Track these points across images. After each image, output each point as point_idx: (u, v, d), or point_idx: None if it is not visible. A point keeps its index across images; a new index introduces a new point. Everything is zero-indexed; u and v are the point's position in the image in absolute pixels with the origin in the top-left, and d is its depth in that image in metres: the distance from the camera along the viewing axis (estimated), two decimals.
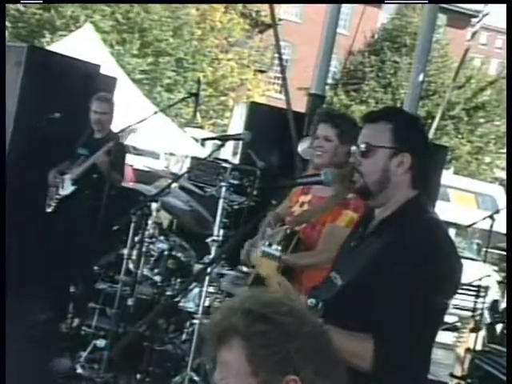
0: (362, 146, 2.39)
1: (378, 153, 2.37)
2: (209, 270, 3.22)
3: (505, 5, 8.54)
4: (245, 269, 4.58)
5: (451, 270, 2.28)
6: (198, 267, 5.46)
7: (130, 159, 13.73)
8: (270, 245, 2.28)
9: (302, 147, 4.42)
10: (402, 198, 2.38)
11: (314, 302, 2.29)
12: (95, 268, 5.55)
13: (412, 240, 2.24)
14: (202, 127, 27.65)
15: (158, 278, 5.40)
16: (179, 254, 5.54)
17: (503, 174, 26.24)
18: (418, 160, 2.38)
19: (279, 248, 2.28)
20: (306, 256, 3.53)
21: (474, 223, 7.53)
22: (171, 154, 20.79)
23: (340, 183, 3.50)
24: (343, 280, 2.33)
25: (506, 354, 4.93)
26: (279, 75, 27.83)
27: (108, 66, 11.40)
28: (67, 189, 6.04)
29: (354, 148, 2.43)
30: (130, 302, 4.98)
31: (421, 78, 7.52)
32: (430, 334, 2.33)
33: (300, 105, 8.02)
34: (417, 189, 2.40)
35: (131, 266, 5.20)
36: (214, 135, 19.74)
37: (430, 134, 11.55)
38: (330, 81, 26.31)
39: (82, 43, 15.18)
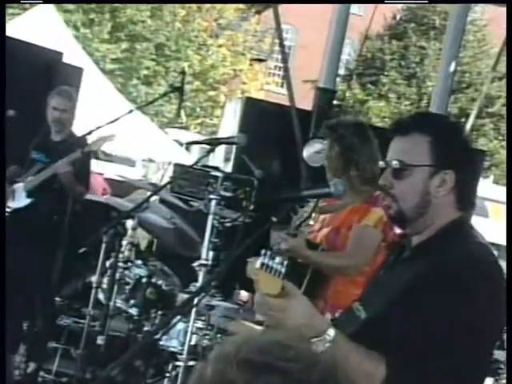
0: (395, 163, 2.35)
1: (415, 172, 2.33)
2: (196, 300, 3.23)
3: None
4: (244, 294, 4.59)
5: (500, 307, 2.29)
6: (182, 297, 5.47)
7: (99, 167, 13.83)
8: (272, 257, 2.25)
9: (307, 152, 4.45)
10: (443, 220, 2.36)
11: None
12: (57, 299, 5.55)
13: (454, 269, 2.24)
14: (187, 128, 27.71)
15: (134, 311, 5.40)
16: (160, 282, 5.55)
17: None
18: (462, 177, 2.35)
19: (284, 262, 2.25)
20: (331, 256, 3.74)
21: None
22: (150, 161, 20.82)
23: (350, 190, 3.70)
24: (367, 313, 2.35)
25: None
26: (280, 65, 27.95)
27: (72, 54, 11.45)
28: (20, 201, 6.04)
29: (382, 164, 2.41)
30: (99, 340, 4.98)
31: (452, 67, 7.57)
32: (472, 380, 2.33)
33: (306, 101, 8.07)
34: (462, 210, 2.38)
35: (101, 296, 5.20)
36: (201, 138, 19.81)
37: None
38: (341, 72, 26.40)
39: (40, 25, 15.19)
